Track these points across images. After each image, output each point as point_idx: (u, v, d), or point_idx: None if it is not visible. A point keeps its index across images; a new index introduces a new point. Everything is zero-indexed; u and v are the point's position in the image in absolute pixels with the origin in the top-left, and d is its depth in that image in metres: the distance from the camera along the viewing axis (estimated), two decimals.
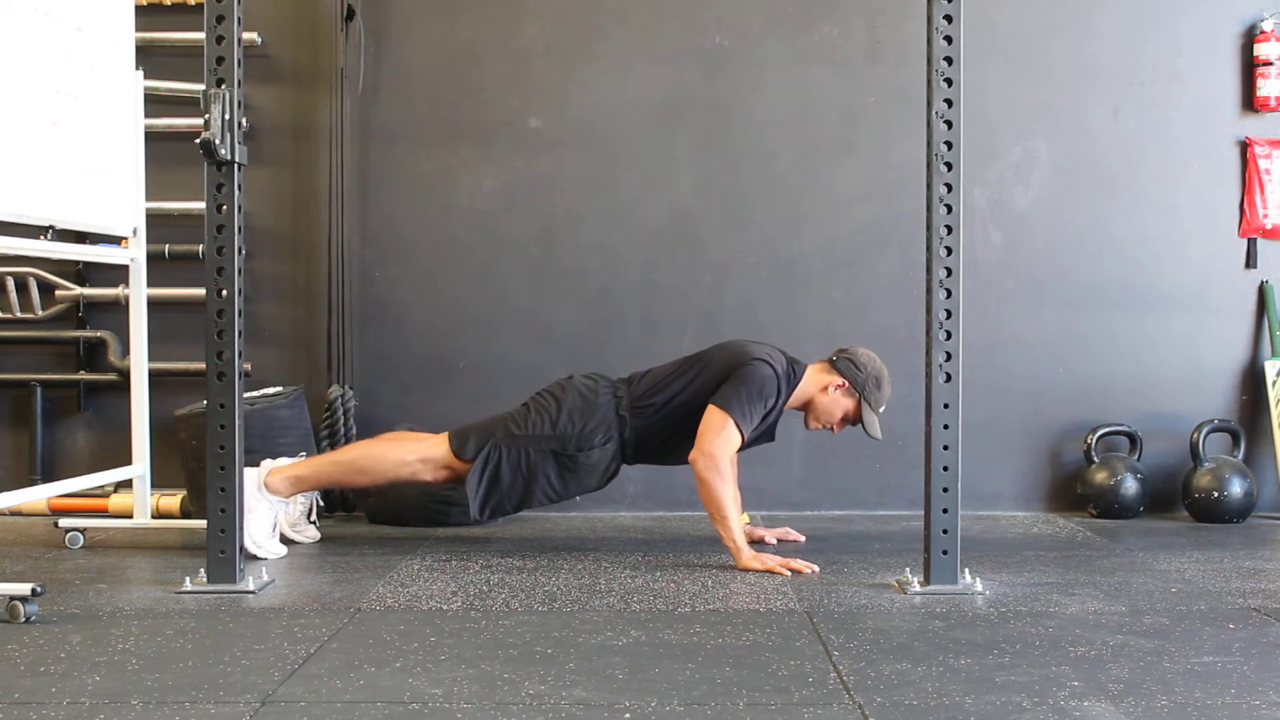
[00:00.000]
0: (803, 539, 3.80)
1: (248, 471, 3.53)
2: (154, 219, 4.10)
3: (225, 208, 3.04)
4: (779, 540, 3.78)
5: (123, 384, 4.29)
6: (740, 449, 3.51)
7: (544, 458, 3.54)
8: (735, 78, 4.44)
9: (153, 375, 3.94)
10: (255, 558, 3.43)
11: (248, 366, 3.85)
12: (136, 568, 3.41)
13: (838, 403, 3.63)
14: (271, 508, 3.56)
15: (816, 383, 3.63)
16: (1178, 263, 4.45)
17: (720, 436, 3.41)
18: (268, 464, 3.62)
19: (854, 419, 3.64)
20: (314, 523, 3.80)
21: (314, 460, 3.68)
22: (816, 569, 3.34)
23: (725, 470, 3.40)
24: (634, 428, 3.59)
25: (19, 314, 4.35)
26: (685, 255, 4.45)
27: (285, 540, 3.64)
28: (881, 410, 3.64)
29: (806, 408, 3.67)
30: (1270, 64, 4.35)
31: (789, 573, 3.30)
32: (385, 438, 3.73)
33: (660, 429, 3.59)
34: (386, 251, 4.46)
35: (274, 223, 4.45)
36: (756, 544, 3.67)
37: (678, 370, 3.63)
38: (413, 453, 3.59)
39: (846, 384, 3.61)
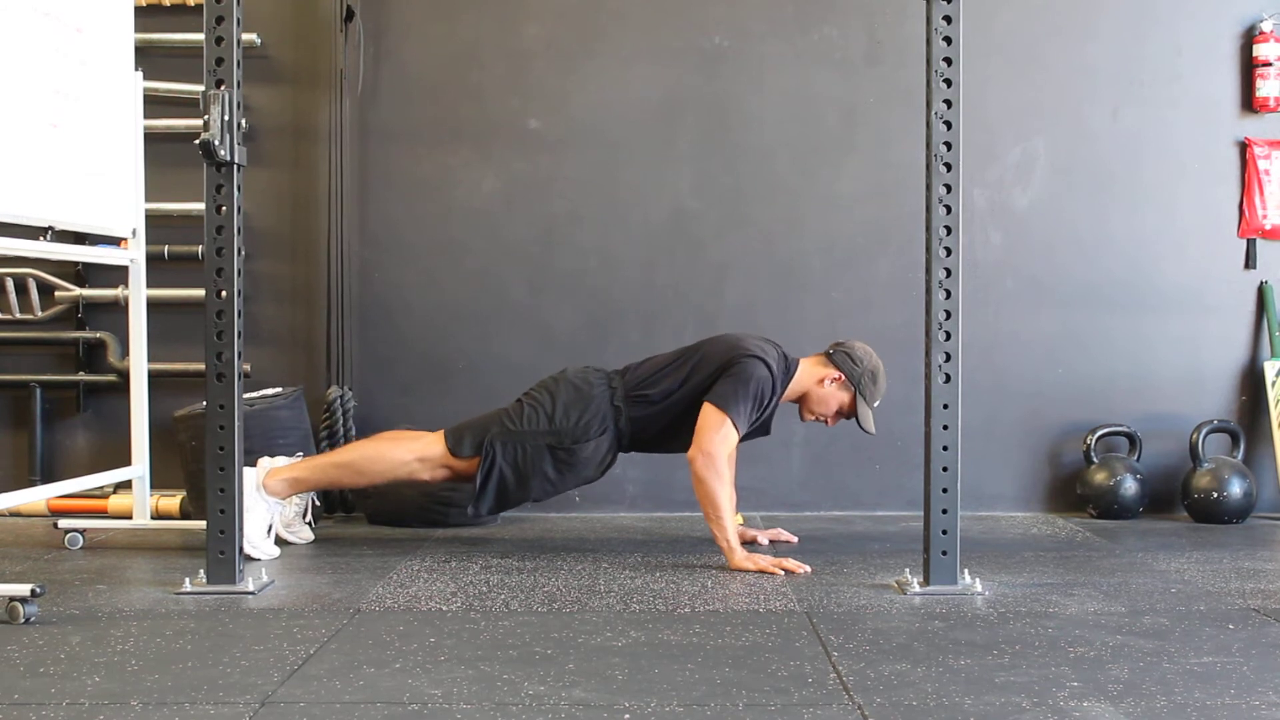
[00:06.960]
0: (795, 540, 3.80)
1: (245, 472, 3.54)
2: (153, 220, 4.10)
3: (225, 208, 3.04)
4: (771, 541, 3.78)
5: (122, 385, 4.29)
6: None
7: (540, 452, 3.54)
8: (735, 78, 4.44)
9: (152, 376, 3.94)
10: (250, 558, 3.43)
11: (247, 367, 3.84)
12: (136, 568, 3.41)
13: (833, 396, 3.63)
14: (268, 509, 3.56)
15: (812, 375, 3.63)
16: (1177, 263, 4.46)
17: (719, 435, 3.41)
18: (265, 465, 3.62)
19: (849, 412, 3.65)
20: (309, 523, 3.80)
21: (311, 462, 3.67)
22: (809, 569, 3.33)
23: (723, 471, 3.40)
24: (629, 418, 3.59)
25: (19, 315, 4.35)
26: (685, 255, 4.45)
27: (280, 541, 3.64)
28: (876, 404, 3.64)
29: (802, 400, 3.67)
30: (1270, 64, 4.35)
31: (782, 572, 3.30)
32: (381, 437, 3.72)
33: (656, 420, 3.59)
34: (386, 251, 4.46)
35: (274, 223, 4.45)
36: (749, 545, 3.66)
37: (673, 364, 3.62)
38: (410, 452, 3.60)
39: (843, 378, 3.61)
